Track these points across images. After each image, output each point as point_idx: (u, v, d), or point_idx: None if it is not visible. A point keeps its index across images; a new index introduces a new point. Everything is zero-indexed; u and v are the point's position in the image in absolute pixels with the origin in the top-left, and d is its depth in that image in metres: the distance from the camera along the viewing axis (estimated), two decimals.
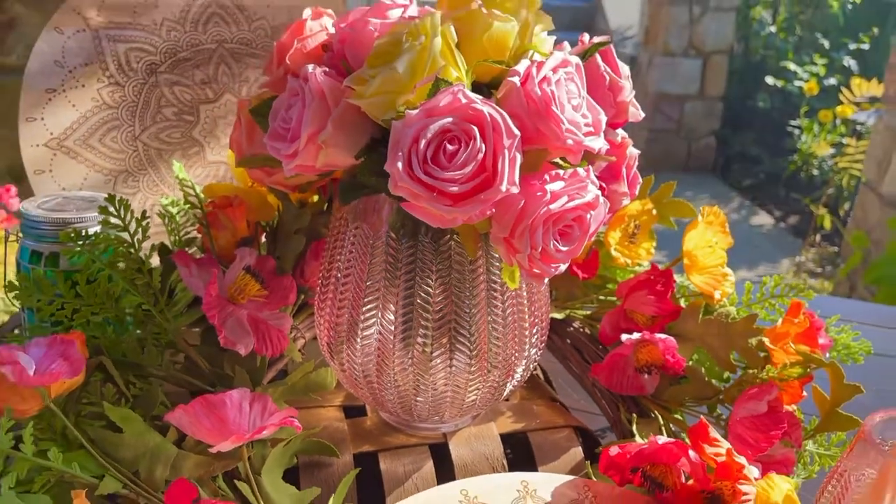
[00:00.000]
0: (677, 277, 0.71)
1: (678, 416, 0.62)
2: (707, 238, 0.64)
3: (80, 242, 0.52)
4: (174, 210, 0.61)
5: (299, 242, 0.58)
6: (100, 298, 0.50)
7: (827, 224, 2.87)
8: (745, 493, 0.49)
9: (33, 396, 0.43)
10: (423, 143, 0.42)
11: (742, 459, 0.49)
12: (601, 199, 0.45)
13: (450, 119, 0.42)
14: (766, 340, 0.59)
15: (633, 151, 0.56)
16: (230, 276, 0.54)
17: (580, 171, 0.45)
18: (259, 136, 0.54)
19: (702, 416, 0.52)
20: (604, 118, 0.47)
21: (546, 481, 0.52)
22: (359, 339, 0.53)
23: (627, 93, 0.52)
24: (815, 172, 3.61)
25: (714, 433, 0.51)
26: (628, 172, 0.56)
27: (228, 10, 0.71)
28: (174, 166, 0.60)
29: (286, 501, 0.49)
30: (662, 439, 0.50)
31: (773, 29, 3.99)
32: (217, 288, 0.52)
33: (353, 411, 0.61)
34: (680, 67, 3.96)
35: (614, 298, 0.69)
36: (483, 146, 0.42)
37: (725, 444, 0.51)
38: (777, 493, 0.49)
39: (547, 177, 0.44)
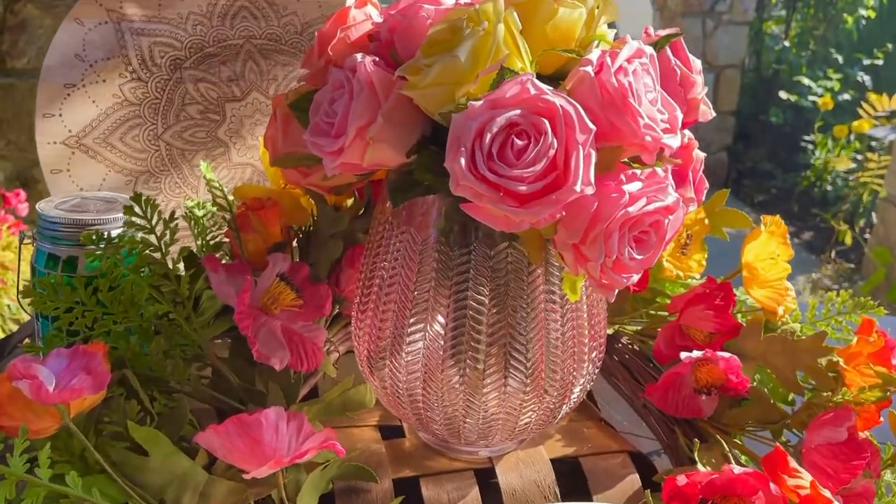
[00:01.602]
0: (736, 293, 0.66)
1: (737, 441, 0.57)
2: (770, 249, 0.60)
3: (102, 245, 0.48)
4: (200, 213, 0.57)
5: (336, 248, 0.54)
6: (123, 306, 0.46)
7: (848, 240, 2.82)
8: None
9: (51, 414, 0.39)
10: (488, 137, 0.38)
11: (828, 493, 0.45)
12: (681, 203, 0.41)
13: (518, 111, 0.38)
14: (841, 360, 0.54)
15: (699, 154, 0.52)
16: (263, 283, 0.50)
17: (658, 171, 0.41)
18: (296, 134, 0.50)
19: (777, 444, 0.48)
20: (680, 115, 0.43)
21: None
22: (403, 354, 0.48)
23: (699, 89, 0.48)
24: (829, 188, 3.57)
25: (794, 464, 0.47)
26: (695, 177, 0.51)
27: (257, 4, 0.67)
28: (201, 166, 0.56)
29: None
30: (738, 469, 0.46)
31: (786, 43, 3.96)
32: (250, 297, 0.48)
33: (389, 432, 0.56)
34: None
35: (665, 313, 0.65)
36: (555, 141, 0.38)
37: (807, 476, 0.46)
38: None
39: (623, 177, 0.40)
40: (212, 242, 0.56)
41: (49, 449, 0.38)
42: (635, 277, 0.43)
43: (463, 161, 0.37)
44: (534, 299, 0.46)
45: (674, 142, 0.42)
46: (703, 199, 0.53)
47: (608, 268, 0.41)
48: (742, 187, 3.97)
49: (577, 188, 0.37)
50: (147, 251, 0.47)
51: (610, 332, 0.64)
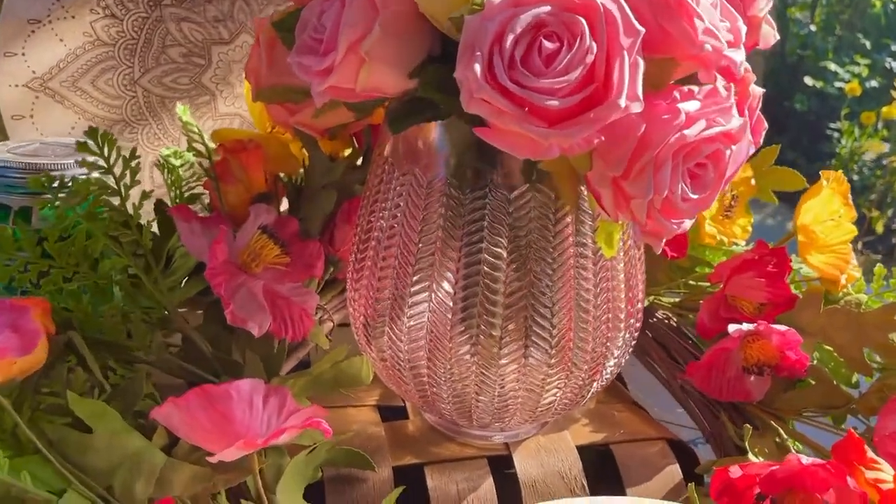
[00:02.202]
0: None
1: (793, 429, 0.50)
2: (832, 208, 0.52)
3: (53, 188, 0.40)
4: (176, 162, 0.50)
5: (329, 200, 0.46)
6: (74, 259, 0.39)
7: (879, 228, 2.72)
8: None
9: None
10: (510, 39, 0.30)
11: None
12: (748, 131, 0.33)
13: (547, 8, 0.30)
14: None
15: (756, 90, 0.44)
16: (243, 237, 0.43)
17: (720, 88, 0.33)
18: (282, 61, 0.42)
19: (850, 430, 0.40)
20: (744, 27, 0.35)
21: None
22: (405, 320, 0.41)
23: (762, 5, 0.40)
24: (856, 178, 3.46)
25: (872, 454, 0.39)
26: (751, 115, 0.43)
27: None
28: (177, 108, 0.49)
29: None
30: (806, 459, 0.38)
31: (812, 28, 3.84)
32: (225, 250, 0.41)
33: (390, 413, 0.49)
34: None
35: (706, 284, 0.57)
36: (593, 45, 0.30)
37: (889, 468, 0.38)
38: None
39: (677, 94, 0.32)
40: (187, 195, 0.49)
41: None
42: (687, 223, 0.35)
43: (478, 68, 0.30)
44: (562, 255, 0.39)
45: (738, 56, 0.34)
46: (761, 140, 0.45)
47: (656, 209, 0.33)
48: None
49: (622, 103, 0.30)
50: (104, 196, 0.40)
51: (644, 303, 0.56)
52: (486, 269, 0.39)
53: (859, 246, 3.08)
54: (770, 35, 0.41)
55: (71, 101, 0.57)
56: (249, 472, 0.36)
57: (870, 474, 0.38)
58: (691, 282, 0.57)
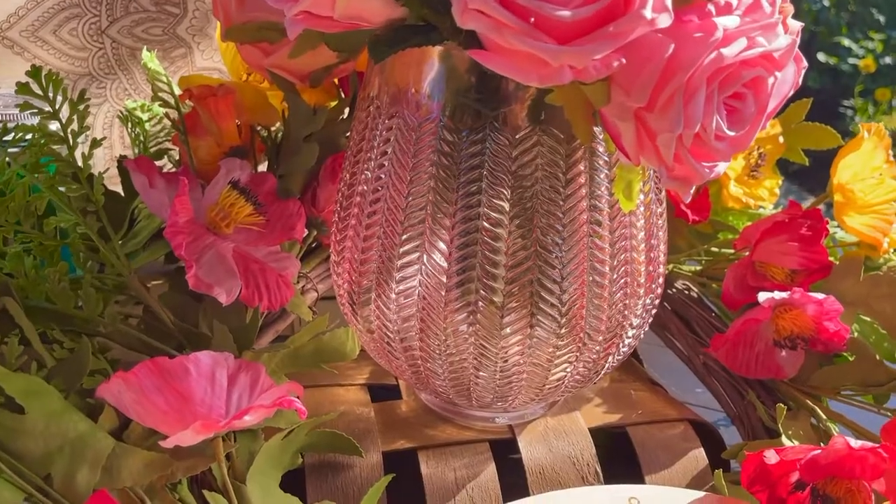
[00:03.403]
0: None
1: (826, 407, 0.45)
2: (873, 164, 0.47)
3: None
4: (143, 116, 0.45)
5: (311, 154, 0.41)
6: (14, 215, 0.34)
7: None
8: None
9: None
10: None
11: None
12: (795, 55, 0.28)
13: None
14: None
15: (794, 24, 0.39)
16: (211, 193, 0.38)
17: (764, 2, 0.28)
18: None
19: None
20: None
21: (664, 499, 0.35)
22: (393, 286, 0.36)
23: None
24: None
25: None
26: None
27: None
28: (143, 55, 0.44)
29: None
30: (855, 442, 0.33)
31: (825, 2, 3.75)
32: (189, 205, 0.36)
33: (381, 392, 0.44)
34: None
35: (730, 251, 0.52)
36: None
37: None
38: None
39: (712, 7, 0.27)
40: (154, 150, 0.44)
41: None
42: (721, 167, 0.30)
43: None
44: (573, 209, 0.34)
45: None
46: (800, 80, 0.39)
47: (685, 148, 0.28)
48: None
49: (647, 14, 0.25)
50: (50, 144, 0.35)
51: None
52: (485, 225, 0.34)
53: None
54: None
55: (31, 53, 0.52)
56: (214, 460, 0.31)
57: None
58: (714, 249, 0.52)
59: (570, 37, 0.25)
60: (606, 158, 0.33)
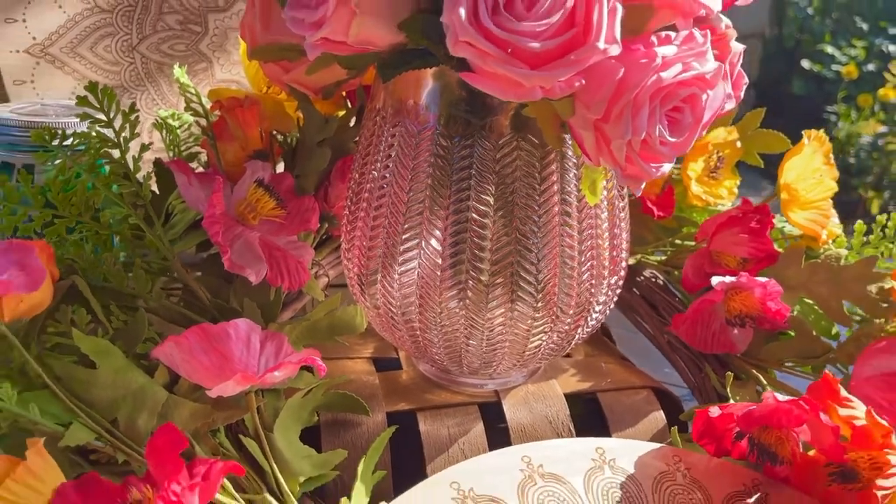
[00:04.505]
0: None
1: (774, 378, 0.51)
2: (813, 166, 0.53)
3: (55, 143, 0.42)
4: (174, 123, 0.51)
5: (324, 157, 0.48)
6: (76, 209, 0.40)
7: (875, 207, 2.73)
8: (893, 466, 0.38)
9: None
10: None
11: (887, 424, 0.39)
12: (721, 76, 0.35)
13: None
14: (894, 285, 0.48)
15: (737, 46, 0.45)
16: (239, 190, 0.44)
17: (697, 34, 0.34)
18: (277, 19, 0.44)
19: (826, 372, 0.41)
20: None
21: (626, 449, 0.42)
22: (396, 269, 0.42)
23: None
24: (852, 160, 3.47)
25: (845, 392, 0.40)
26: (732, 70, 0.45)
27: None
28: (174, 71, 0.50)
29: (304, 464, 0.39)
30: (781, 397, 0.40)
31: (809, 11, 3.84)
32: (222, 201, 0.42)
33: (384, 364, 0.50)
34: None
35: (692, 243, 0.59)
36: None
37: (861, 406, 0.40)
38: None
39: (655, 39, 0.33)
40: (185, 153, 0.50)
41: None
42: (666, 167, 0.36)
43: (463, 12, 0.31)
44: (547, 203, 0.40)
45: (714, 4, 0.35)
46: (741, 95, 0.46)
47: (635, 151, 0.34)
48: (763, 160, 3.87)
49: (601, 45, 0.31)
50: (104, 149, 0.41)
51: (632, 261, 0.58)
52: (474, 216, 0.40)
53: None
54: None
55: (70, 67, 0.58)
56: (247, 411, 0.38)
57: (843, 412, 0.40)
58: (677, 241, 0.59)
59: (539, 63, 0.32)
60: (575, 160, 0.40)
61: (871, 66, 3.64)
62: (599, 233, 0.42)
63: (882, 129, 2.92)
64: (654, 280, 0.58)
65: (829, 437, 0.39)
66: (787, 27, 3.99)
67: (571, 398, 0.48)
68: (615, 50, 0.32)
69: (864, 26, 3.77)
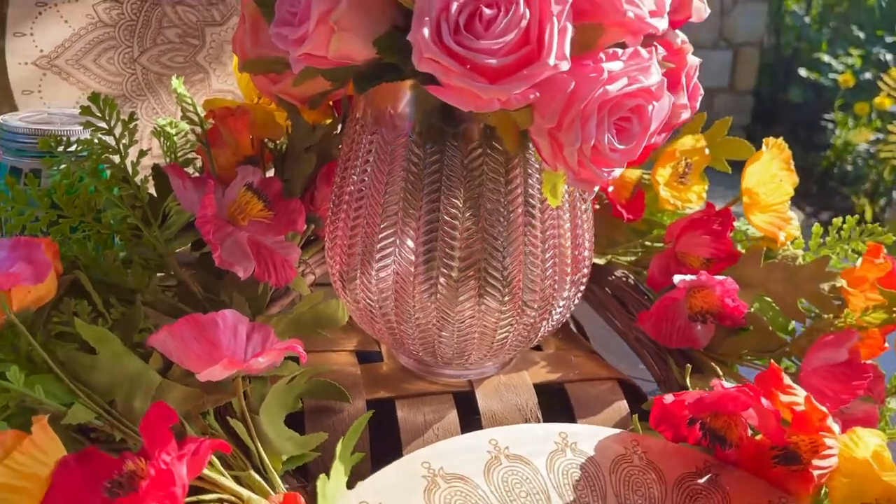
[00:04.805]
0: (736, 224, 0.63)
1: (734, 371, 0.54)
2: (771, 172, 0.57)
3: (60, 149, 0.45)
4: (172, 131, 0.55)
5: (310, 162, 0.51)
6: (79, 210, 0.44)
7: (868, 216, 2.76)
8: (829, 448, 0.41)
9: None
10: (454, 6, 0.35)
11: (824, 409, 0.42)
12: (665, 88, 0.38)
13: None
14: (844, 283, 0.51)
15: (693, 60, 0.49)
16: (230, 193, 0.48)
17: (642, 51, 0.38)
18: (265, 35, 0.47)
19: (772, 362, 0.45)
20: (668, 0, 0.40)
21: (587, 434, 0.45)
22: (374, 267, 0.46)
23: None
24: (850, 168, 3.49)
25: (788, 380, 0.44)
26: (688, 82, 0.48)
27: None
28: (172, 81, 0.54)
29: (287, 445, 0.42)
30: (728, 385, 0.43)
31: (807, 20, 3.87)
32: (214, 202, 0.45)
33: (366, 357, 0.54)
34: (709, 59, 3.86)
35: (661, 245, 0.62)
36: (527, 11, 0.35)
37: (802, 392, 0.43)
38: (863, 448, 0.42)
39: (603, 56, 0.37)
40: (182, 159, 0.54)
41: None
42: (616, 172, 0.40)
43: (427, 32, 0.35)
44: (512, 205, 0.44)
45: (661, 24, 0.39)
46: (697, 105, 0.49)
47: (586, 157, 0.38)
48: None
49: (551, 62, 0.35)
50: (105, 154, 0.45)
51: (603, 262, 0.61)
52: (445, 218, 0.44)
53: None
54: (701, 9, 0.46)
55: (75, 78, 0.62)
56: (235, 395, 0.41)
57: (785, 398, 0.43)
58: (647, 243, 0.62)
59: (497, 78, 0.35)
60: (537, 166, 0.43)
61: (867, 75, 3.67)
62: (562, 232, 0.45)
63: (873, 136, 2.95)
64: (624, 279, 0.61)
65: (771, 421, 0.42)
66: (784, 36, 4.02)
67: (541, 388, 0.51)
68: (565, 65, 0.35)
69: (861, 35, 3.80)
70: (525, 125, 0.38)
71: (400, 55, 0.38)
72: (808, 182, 3.66)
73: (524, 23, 0.35)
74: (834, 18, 3.96)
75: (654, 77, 0.37)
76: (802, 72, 3.81)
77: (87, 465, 0.35)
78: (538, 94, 0.36)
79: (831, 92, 3.70)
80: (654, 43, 0.46)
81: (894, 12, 3.80)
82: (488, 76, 0.35)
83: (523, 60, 0.35)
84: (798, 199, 3.52)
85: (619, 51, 0.37)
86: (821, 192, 3.57)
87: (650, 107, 0.38)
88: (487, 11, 0.35)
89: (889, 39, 3.74)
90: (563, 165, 0.38)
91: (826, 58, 3.74)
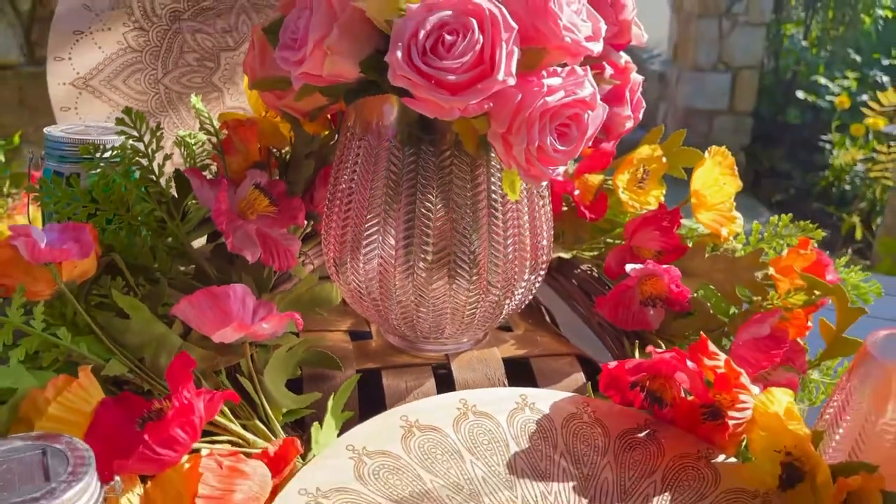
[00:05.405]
0: (688, 222, 0.71)
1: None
2: (714, 176, 0.64)
3: (98, 154, 0.54)
4: (191, 141, 0.63)
5: (309, 167, 0.59)
6: (113, 205, 0.52)
7: (858, 234, 2.82)
8: (744, 402, 0.49)
9: (45, 278, 0.45)
10: (422, 34, 0.43)
11: (743, 372, 0.49)
12: (599, 99, 0.46)
13: (449, 12, 0.43)
14: (772, 270, 0.59)
15: (636, 77, 0.57)
16: (241, 191, 0.56)
17: (577, 69, 0.46)
18: (271, 59, 0.56)
19: (702, 333, 0.52)
20: (604, 27, 0.48)
21: (545, 396, 0.52)
22: (362, 255, 0.54)
23: (630, 11, 0.53)
24: (847, 188, 3.56)
25: (713, 348, 0.51)
26: (632, 97, 0.56)
27: None
28: (191, 99, 0.62)
29: (287, 401, 0.50)
30: (662, 352, 0.51)
31: (804, 44, 3.96)
32: (227, 199, 0.54)
33: (357, 336, 0.61)
34: (709, 82, 3.95)
35: (622, 241, 0.70)
36: (481, 38, 0.43)
37: (724, 356, 0.51)
38: (776, 404, 0.49)
39: (544, 73, 0.45)
40: (199, 165, 0.62)
41: (43, 306, 0.44)
42: (560, 170, 0.48)
43: (399, 54, 0.43)
44: (477, 203, 0.52)
45: (595, 47, 0.47)
46: (640, 117, 0.57)
47: (533, 156, 0.46)
48: (760, 187, 3.97)
49: (501, 77, 0.43)
50: (136, 158, 0.54)
51: (569, 256, 0.69)
52: (421, 211, 0.52)
53: (849, 252, 3.18)
54: (640, 36, 0.54)
55: (107, 97, 0.71)
56: (243, 356, 0.49)
57: (709, 362, 0.50)
58: (609, 240, 0.70)
59: (457, 91, 0.43)
60: (498, 167, 0.51)
61: (864, 97, 3.75)
62: (521, 223, 0.53)
63: (862, 156, 3.02)
64: (589, 272, 0.69)
65: (697, 381, 0.50)
66: (783, 59, 4.12)
67: (509, 362, 0.59)
68: (512, 81, 0.43)
69: (858, 58, 3.89)
70: (483, 130, 0.47)
71: (380, 74, 0.46)
72: (807, 203, 3.72)
73: (478, 46, 0.43)
74: (831, 42, 4.05)
75: (588, 90, 0.45)
76: (800, 94, 3.90)
77: (123, 405, 0.43)
78: (491, 104, 0.44)
79: (828, 113, 3.78)
80: (603, 63, 0.55)
81: (890, 36, 3.89)
82: (450, 90, 0.43)
83: (478, 77, 0.43)
84: (798, 220, 3.58)
85: (559, 69, 0.46)
86: (820, 212, 3.63)
87: (586, 115, 0.46)
88: (448, 38, 0.43)
89: (885, 62, 3.82)
90: (515, 164, 0.46)
91: (823, 80, 3.82)
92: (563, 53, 0.46)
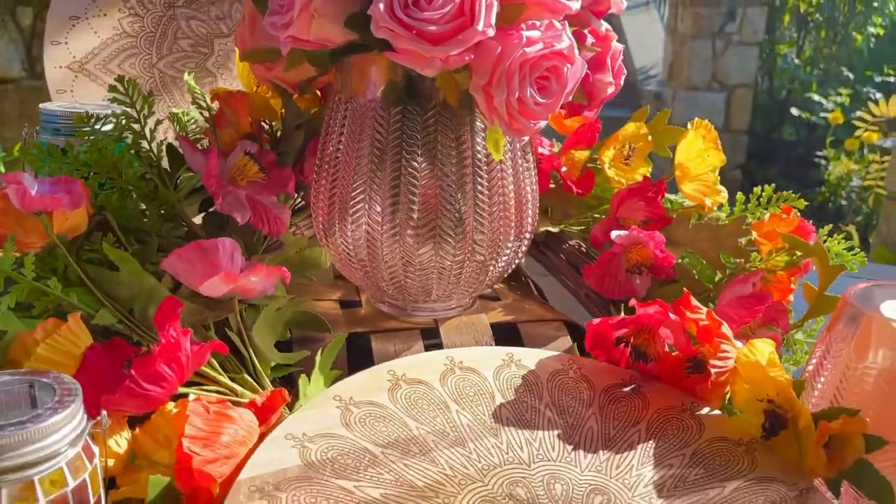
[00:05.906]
0: (674, 197, 0.72)
1: None
2: (697, 147, 0.66)
3: (91, 123, 0.55)
4: (184, 118, 0.65)
5: (299, 137, 0.61)
6: (106, 168, 0.53)
7: (856, 241, 2.84)
8: (726, 352, 0.49)
9: (37, 230, 0.46)
10: None
11: (725, 323, 0.50)
12: (576, 52, 0.47)
13: None
14: (755, 234, 0.60)
15: (617, 46, 0.58)
16: (231, 159, 0.57)
17: (556, 23, 0.47)
18: (261, 29, 0.57)
19: (685, 289, 0.53)
20: None
21: (531, 354, 0.53)
22: (349, 219, 0.55)
23: None
24: (844, 202, 3.58)
25: (696, 302, 0.52)
26: (613, 63, 0.58)
27: None
28: (185, 77, 0.64)
29: (275, 356, 0.50)
30: (646, 307, 0.51)
31: (797, 62, 4.01)
32: (217, 164, 0.55)
33: (348, 305, 0.62)
34: (704, 101, 3.99)
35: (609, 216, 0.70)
36: None
37: (705, 309, 0.51)
38: (759, 356, 0.50)
39: (524, 26, 0.46)
40: (192, 139, 0.63)
41: (34, 257, 0.45)
42: (542, 123, 0.49)
43: (382, 6, 0.44)
44: (462, 164, 0.53)
45: (574, 4, 0.48)
46: (622, 83, 0.58)
47: (514, 108, 0.47)
48: None
49: (480, 27, 0.44)
50: (129, 123, 0.55)
51: (557, 230, 0.70)
52: (408, 170, 0.53)
53: None
54: (620, 3, 0.56)
55: (102, 80, 0.72)
56: (232, 311, 0.50)
57: (692, 315, 0.51)
58: (597, 215, 0.71)
59: (438, 42, 0.45)
60: (482, 126, 0.53)
61: (857, 113, 3.78)
62: (506, 184, 0.54)
63: (854, 166, 3.04)
64: (577, 247, 0.70)
65: (679, 333, 0.50)
66: (777, 78, 4.16)
67: (497, 327, 0.59)
68: (491, 32, 0.44)
69: (851, 75, 3.93)
70: (464, 84, 0.48)
71: (364, 30, 0.47)
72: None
73: None
74: (824, 60, 4.10)
75: (565, 42, 0.47)
76: (795, 111, 3.93)
77: (112, 350, 0.43)
78: (472, 56, 0.45)
79: (823, 130, 3.81)
80: (584, 31, 0.56)
81: (882, 53, 3.94)
82: (431, 40, 0.45)
83: (458, 28, 0.44)
84: None
85: (538, 22, 0.47)
86: (817, 227, 3.63)
87: (565, 68, 0.47)
88: None
89: (878, 79, 3.86)
90: (497, 117, 0.47)
91: (817, 97, 3.86)
92: (542, 10, 0.47)
